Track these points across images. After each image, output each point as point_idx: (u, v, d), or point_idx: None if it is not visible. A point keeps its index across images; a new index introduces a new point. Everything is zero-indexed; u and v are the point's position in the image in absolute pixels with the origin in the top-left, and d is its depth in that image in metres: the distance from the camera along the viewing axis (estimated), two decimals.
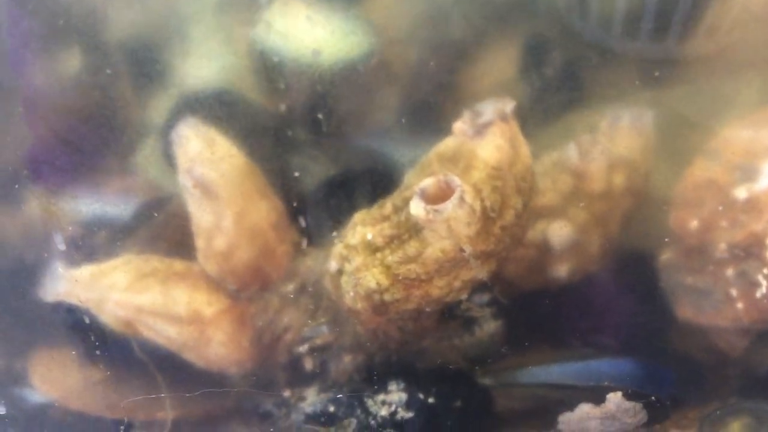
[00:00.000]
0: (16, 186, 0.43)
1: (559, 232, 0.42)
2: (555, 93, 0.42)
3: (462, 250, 0.37)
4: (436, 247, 0.37)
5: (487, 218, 0.37)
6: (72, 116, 0.43)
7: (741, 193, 0.41)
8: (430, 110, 0.43)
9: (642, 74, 0.42)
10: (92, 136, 0.42)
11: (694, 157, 0.42)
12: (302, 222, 0.41)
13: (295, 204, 0.41)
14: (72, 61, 0.43)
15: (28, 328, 0.43)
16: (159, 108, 0.42)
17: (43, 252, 0.42)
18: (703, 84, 0.42)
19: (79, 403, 0.44)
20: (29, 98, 0.44)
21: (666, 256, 0.43)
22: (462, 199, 0.35)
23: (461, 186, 0.36)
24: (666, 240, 0.43)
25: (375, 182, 0.42)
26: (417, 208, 0.36)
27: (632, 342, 0.44)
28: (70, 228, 0.42)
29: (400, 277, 0.38)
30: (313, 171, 0.42)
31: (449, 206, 0.35)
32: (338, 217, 0.41)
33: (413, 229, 0.38)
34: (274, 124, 0.42)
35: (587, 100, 0.43)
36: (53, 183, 0.43)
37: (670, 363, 0.44)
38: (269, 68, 0.41)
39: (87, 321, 0.41)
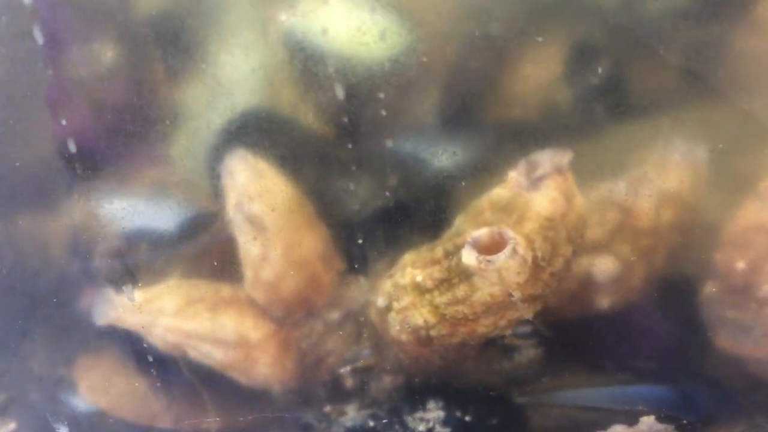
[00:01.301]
0: (61, 191, 0.43)
1: (603, 268, 0.42)
2: (600, 100, 0.42)
3: (511, 295, 0.38)
4: (485, 291, 0.38)
5: (537, 267, 0.37)
6: (106, 107, 0.42)
7: None
8: (470, 112, 0.42)
9: (693, 85, 0.41)
10: (127, 127, 0.41)
11: (745, 197, 0.42)
12: (348, 251, 0.41)
13: (341, 233, 0.41)
14: (106, 51, 0.42)
15: (76, 335, 0.44)
16: (194, 98, 0.41)
17: (89, 264, 0.43)
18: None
19: (126, 412, 0.45)
20: (63, 90, 0.43)
21: (709, 290, 0.43)
22: (515, 251, 0.36)
23: (515, 239, 0.36)
24: (710, 275, 0.43)
25: (420, 212, 0.41)
26: (469, 258, 0.36)
27: (668, 368, 0.45)
28: (115, 241, 0.42)
29: (447, 317, 0.39)
30: (359, 195, 0.41)
31: (501, 257, 0.36)
32: (384, 247, 0.41)
33: (463, 275, 0.38)
34: (319, 144, 0.41)
35: (634, 110, 0.42)
36: (90, 176, 0.43)
37: (704, 387, 0.45)
38: (305, 63, 0.40)
39: (136, 339, 0.42)
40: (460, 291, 0.38)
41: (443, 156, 0.41)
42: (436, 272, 0.38)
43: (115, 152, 0.42)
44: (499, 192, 0.39)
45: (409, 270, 0.39)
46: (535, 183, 0.38)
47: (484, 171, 0.41)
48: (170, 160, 0.42)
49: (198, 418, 0.44)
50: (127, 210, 0.42)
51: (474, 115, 0.42)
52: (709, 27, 0.40)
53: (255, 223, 0.39)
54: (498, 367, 0.44)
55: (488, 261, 0.36)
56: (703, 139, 0.42)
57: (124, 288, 0.42)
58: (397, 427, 0.45)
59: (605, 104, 0.42)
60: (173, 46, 0.41)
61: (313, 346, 0.43)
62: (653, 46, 0.40)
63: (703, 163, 0.42)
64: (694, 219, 0.42)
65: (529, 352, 0.44)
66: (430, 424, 0.45)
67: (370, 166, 0.42)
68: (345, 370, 0.44)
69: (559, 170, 0.37)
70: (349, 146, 0.41)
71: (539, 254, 0.37)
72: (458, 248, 0.37)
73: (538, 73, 0.42)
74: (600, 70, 0.41)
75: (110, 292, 0.42)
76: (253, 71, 0.40)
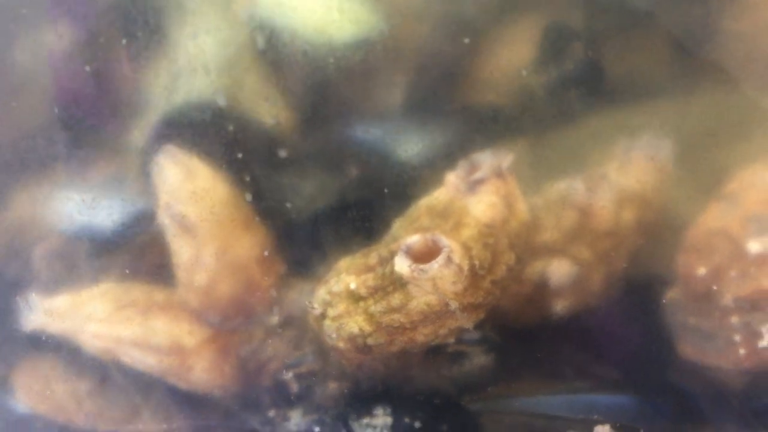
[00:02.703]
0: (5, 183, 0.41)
1: (558, 271, 0.40)
2: (567, 89, 0.40)
3: (447, 305, 0.36)
4: (421, 300, 0.36)
5: (475, 275, 0.35)
6: (66, 90, 0.40)
7: (754, 246, 0.39)
8: (439, 96, 0.40)
9: (669, 71, 0.39)
10: (86, 112, 0.40)
11: (709, 199, 0.39)
12: (290, 253, 0.39)
13: (282, 235, 0.39)
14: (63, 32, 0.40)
15: (11, 340, 0.43)
16: (155, 83, 0.39)
17: (24, 263, 0.41)
18: (732, 93, 0.39)
19: (63, 416, 0.43)
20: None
21: (671, 295, 0.41)
22: (449, 259, 0.34)
23: (449, 246, 0.34)
24: (673, 280, 0.41)
25: (364, 211, 0.39)
26: (401, 266, 0.34)
27: (627, 376, 0.43)
28: (53, 239, 0.41)
29: (383, 325, 0.37)
30: (303, 193, 0.39)
31: (435, 266, 0.34)
32: (327, 249, 0.39)
33: (398, 282, 0.36)
34: (262, 139, 0.39)
35: (601, 102, 0.40)
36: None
37: (664, 396, 0.43)
38: (269, 45, 0.38)
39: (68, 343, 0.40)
40: (395, 299, 0.36)
41: (397, 149, 0.40)
42: (370, 279, 0.36)
43: (66, 143, 0.40)
44: (436, 196, 0.36)
45: (343, 276, 0.37)
46: (473, 186, 0.35)
47: (432, 168, 0.39)
48: (115, 151, 0.40)
49: (136, 423, 0.43)
50: (64, 207, 0.40)
51: (437, 103, 0.40)
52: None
53: (185, 226, 0.37)
54: (447, 373, 0.42)
55: (421, 270, 0.34)
56: (669, 137, 0.39)
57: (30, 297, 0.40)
58: None
59: (571, 94, 0.40)
60: (135, 26, 0.39)
61: (253, 351, 0.41)
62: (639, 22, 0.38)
63: (667, 162, 0.40)
64: (656, 221, 0.40)
65: (479, 359, 0.42)
66: (378, 430, 0.43)
67: (316, 161, 0.40)
68: (288, 375, 0.42)
69: (498, 174, 0.35)
70: (300, 137, 0.39)
71: (477, 262, 0.35)
72: (393, 254, 0.35)
73: (503, 59, 0.40)
74: (570, 57, 0.39)
75: (35, 297, 0.40)
76: (217, 52, 0.38)
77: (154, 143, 0.38)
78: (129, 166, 0.40)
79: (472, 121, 0.40)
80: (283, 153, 0.39)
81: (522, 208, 0.36)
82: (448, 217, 0.36)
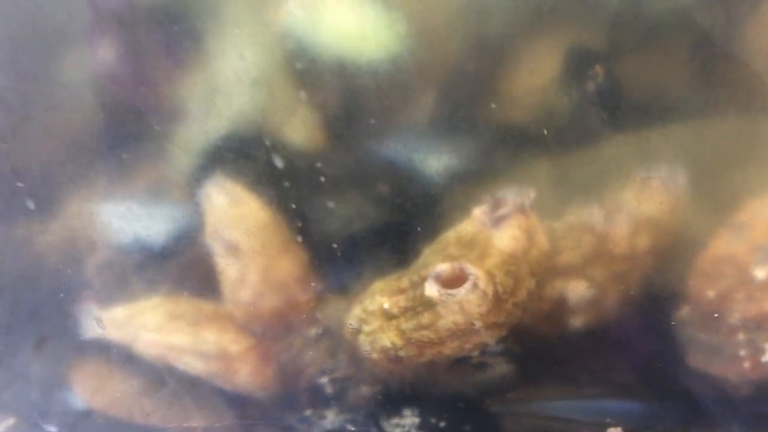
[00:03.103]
0: (53, 197, 0.44)
1: (575, 291, 0.43)
2: (593, 109, 0.41)
3: (473, 324, 0.39)
4: (449, 320, 0.39)
5: (498, 299, 0.39)
6: (108, 102, 0.43)
7: (760, 273, 0.41)
8: (465, 114, 0.42)
9: (687, 95, 0.41)
10: (124, 123, 0.42)
11: (720, 226, 0.42)
12: (326, 272, 0.42)
13: (318, 256, 0.42)
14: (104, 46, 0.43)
15: (70, 342, 0.46)
16: (193, 96, 0.42)
17: (79, 272, 0.44)
18: (748, 119, 0.41)
19: (120, 411, 0.47)
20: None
21: (682, 313, 0.44)
22: (475, 285, 0.37)
23: (475, 275, 0.37)
24: (684, 299, 0.43)
25: (395, 233, 0.42)
26: (431, 290, 0.38)
27: (638, 383, 0.46)
28: (104, 251, 0.44)
29: (413, 340, 0.40)
30: (337, 216, 0.42)
31: (462, 291, 0.37)
32: (360, 269, 0.42)
33: (427, 304, 0.39)
34: (300, 164, 0.42)
35: (626, 122, 0.42)
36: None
37: (673, 402, 0.46)
38: (302, 62, 0.41)
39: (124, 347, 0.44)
40: (425, 318, 0.39)
41: (425, 165, 0.42)
42: (402, 301, 0.40)
43: (113, 153, 0.43)
44: (464, 228, 0.39)
45: (377, 297, 0.40)
46: (497, 221, 0.38)
47: (458, 185, 0.41)
48: (164, 163, 0.43)
49: (186, 419, 0.47)
50: (112, 219, 0.43)
51: (463, 120, 0.42)
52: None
53: (231, 249, 0.40)
54: (470, 380, 0.46)
55: (449, 294, 0.37)
56: (685, 164, 0.41)
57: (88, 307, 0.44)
58: (374, 430, 0.47)
59: (592, 116, 0.41)
60: (172, 43, 0.41)
61: (292, 358, 0.45)
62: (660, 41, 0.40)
63: (682, 190, 0.42)
64: (669, 246, 0.43)
65: (501, 368, 0.45)
66: (406, 429, 0.46)
67: (348, 181, 0.42)
68: (324, 379, 0.45)
69: (521, 210, 0.38)
70: (333, 156, 0.41)
71: (500, 288, 0.38)
72: (423, 279, 0.39)
73: (527, 78, 0.42)
74: (591, 79, 0.41)
75: (95, 308, 0.43)
76: (252, 68, 0.40)
77: (201, 171, 0.40)
78: (173, 180, 0.43)
79: (496, 140, 0.42)
80: (316, 174, 0.42)
81: (542, 239, 0.39)
82: (474, 247, 0.39)
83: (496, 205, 0.39)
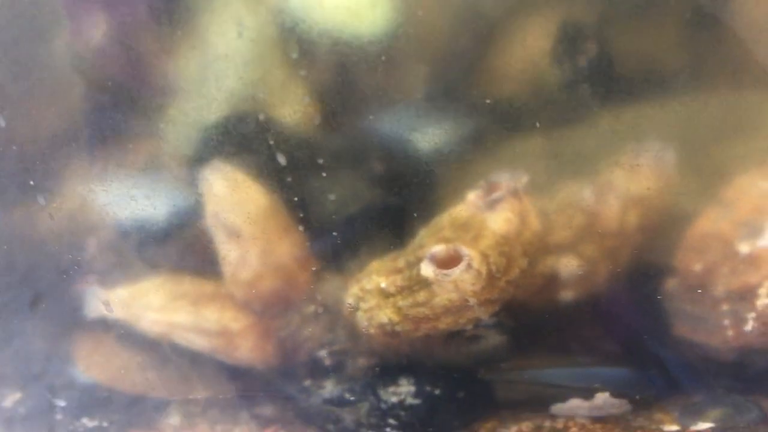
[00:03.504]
0: (51, 178, 0.45)
1: (567, 266, 0.44)
2: (585, 84, 0.42)
3: (467, 301, 0.40)
4: (444, 297, 0.40)
5: (492, 277, 0.40)
6: (100, 77, 0.43)
7: (744, 247, 0.42)
8: (459, 89, 0.43)
9: (679, 69, 0.41)
10: (118, 98, 0.43)
11: (707, 203, 0.43)
12: (323, 252, 0.43)
13: (316, 236, 0.43)
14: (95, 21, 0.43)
15: (73, 319, 0.47)
16: (183, 69, 0.42)
17: (80, 252, 0.45)
18: (739, 93, 0.42)
19: (121, 384, 0.49)
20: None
21: (670, 285, 0.45)
22: (469, 265, 0.38)
23: (469, 255, 0.38)
24: (671, 273, 0.45)
25: (390, 211, 0.43)
26: (427, 270, 0.39)
27: (626, 352, 0.48)
28: (104, 230, 0.45)
29: (410, 316, 0.42)
30: (334, 196, 0.43)
31: (456, 271, 0.38)
32: (356, 249, 0.43)
33: (423, 283, 0.41)
34: (297, 145, 0.42)
35: (618, 97, 0.42)
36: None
37: (660, 368, 0.48)
38: (295, 38, 0.41)
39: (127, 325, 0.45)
40: (421, 296, 0.41)
41: (420, 142, 0.42)
42: (399, 280, 0.41)
43: (109, 130, 0.43)
44: (458, 211, 0.40)
45: (374, 277, 0.41)
46: (491, 205, 0.39)
47: (452, 162, 0.42)
48: (161, 143, 0.43)
49: (189, 390, 0.48)
50: (110, 199, 0.44)
51: (457, 96, 0.42)
52: None
53: (231, 232, 0.41)
54: (464, 351, 0.47)
55: (444, 274, 0.38)
56: (675, 141, 0.42)
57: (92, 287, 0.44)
58: (371, 398, 0.48)
59: (584, 90, 0.42)
60: (166, 18, 0.41)
61: (291, 333, 0.46)
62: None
63: (671, 168, 0.42)
64: (658, 222, 0.44)
65: (494, 339, 0.47)
66: (402, 397, 0.48)
67: (344, 160, 0.43)
68: (322, 352, 0.47)
69: (513, 194, 0.39)
70: (330, 138, 0.42)
71: (494, 267, 0.39)
72: (419, 260, 0.40)
73: (520, 52, 0.42)
74: (583, 53, 0.41)
75: (98, 288, 0.44)
76: (245, 45, 0.41)
77: (199, 155, 0.41)
78: (171, 161, 0.43)
79: (489, 116, 0.43)
80: (313, 155, 0.42)
81: (534, 220, 0.40)
82: (469, 229, 0.40)
83: (490, 189, 0.40)
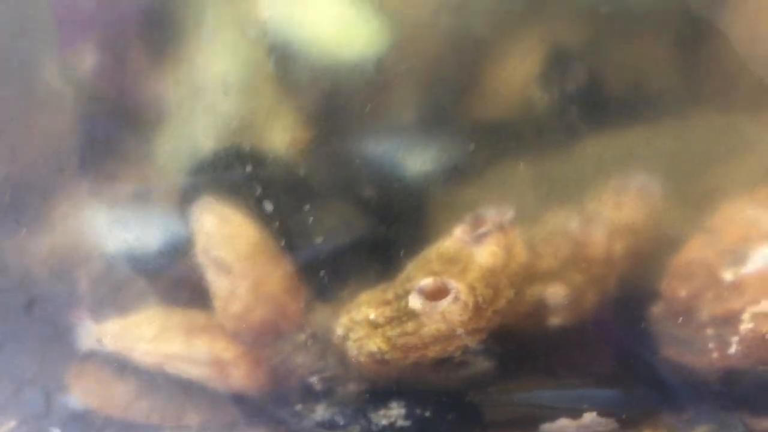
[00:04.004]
0: (40, 207, 0.45)
1: (554, 294, 0.45)
2: (574, 108, 0.42)
3: (455, 330, 0.41)
4: (432, 327, 0.41)
5: (478, 308, 0.41)
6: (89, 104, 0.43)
7: (728, 275, 0.43)
8: (447, 112, 0.43)
9: (668, 91, 0.42)
10: (109, 124, 0.43)
11: (692, 231, 0.43)
12: (313, 283, 0.44)
13: (306, 268, 0.43)
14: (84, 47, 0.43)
15: (65, 350, 0.48)
16: (174, 98, 0.42)
17: (72, 283, 0.45)
18: (728, 117, 0.42)
19: (117, 411, 0.49)
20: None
21: (656, 309, 0.46)
22: (456, 297, 0.39)
23: (456, 288, 0.39)
24: (657, 298, 0.45)
25: (379, 243, 0.43)
26: (415, 302, 0.40)
27: (613, 373, 0.48)
28: (95, 262, 0.45)
29: (399, 345, 0.42)
30: (324, 227, 0.43)
31: (444, 303, 0.39)
32: (346, 280, 0.44)
33: (411, 314, 0.41)
34: (286, 177, 0.42)
35: (606, 121, 0.42)
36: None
37: (647, 388, 0.49)
38: (281, 62, 0.41)
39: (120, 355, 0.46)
40: (409, 326, 0.41)
41: (408, 166, 0.43)
42: (387, 311, 0.42)
43: (98, 157, 0.43)
44: (445, 245, 0.41)
45: (363, 308, 0.42)
46: (477, 239, 0.40)
47: (441, 187, 0.42)
48: (150, 173, 0.43)
49: (182, 417, 0.49)
50: (101, 230, 0.44)
51: (446, 118, 0.42)
52: None
53: (222, 266, 0.42)
54: (453, 376, 0.48)
55: (432, 306, 0.39)
56: (663, 168, 0.43)
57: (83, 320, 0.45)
58: (362, 421, 0.49)
59: (572, 115, 0.42)
60: (153, 39, 0.41)
61: (282, 361, 0.46)
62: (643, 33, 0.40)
63: (659, 197, 0.43)
64: (644, 250, 0.44)
65: (482, 364, 0.47)
66: (392, 419, 0.49)
67: (333, 188, 0.43)
68: (313, 378, 0.47)
69: (500, 228, 0.40)
70: (319, 168, 0.42)
71: (480, 299, 0.40)
72: (407, 292, 0.41)
73: (509, 74, 0.42)
74: (572, 78, 0.41)
75: (89, 322, 0.45)
76: (232, 69, 0.41)
77: (189, 189, 0.41)
78: (161, 193, 0.44)
79: (478, 140, 0.43)
80: (302, 186, 0.42)
81: (520, 252, 0.41)
82: (456, 263, 0.41)
83: (476, 223, 0.40)
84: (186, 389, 0.48)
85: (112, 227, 0.44)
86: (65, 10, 0.42)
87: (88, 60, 0.43)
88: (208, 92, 0.41)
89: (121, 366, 0.47)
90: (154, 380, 0.48)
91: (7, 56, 0.43)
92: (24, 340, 0.48)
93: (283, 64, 0.40)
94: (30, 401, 0.51)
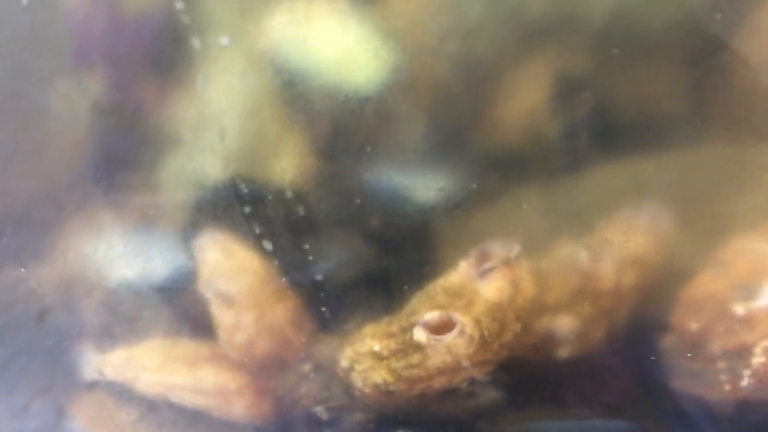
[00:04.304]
0: (43, 237, 0.45)
1: (563, 326, 0.44)
2: (582, 136, 0.42)
3: (460, 363, 0.40)
4: (437, 359, 0.41)
5: (485, 342, 0.40)
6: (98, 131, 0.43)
7: (739, 309, 0.42)
8: (454, 139, 0.42)
9: (678, 120, 0.41)
10: (117, 148, 0.43)
11: (703, 264, 0.43)
12: (318, 315, 0.44)
13: (311, 300, 0.43)
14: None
15: (69, 379, 0.48)
16: (182, 126, 0.42)
17: (76, 313, 0.45)
18: (738, 147, 0.41)
19: None
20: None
21: (666, 341, 0.45)
22: (462, 331, 0.38)
23: (462, 322, 0.38)
24: (668, 330, 0.45)
25: (384, 275, 0.43)
26: (420, 336, 0.40)
27: (626, 406, 0.48)
28: (100, 292, 0.45)
29: (404, 377, 0.42)
30: (329, 259, 0.43)
31: (449, 337, 0.39)
32: (350, 310, 0.43)
33: (416, 346, 0.41)
34: (292, 210, 0.42)
35: (615, 151, 0.42)
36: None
37: (658, 418, 0.48)
38: (287, 87, 0.41)
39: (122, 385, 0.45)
40: (414, 359, 0.41)
41: (415, 195, 0.42)
42: (392, 344, 0.41)
43: (104, 185, 0.43)
44: (451, 279, 0.40)
45: (368, 341, 0.42)
46: (483, 274, 0.39)
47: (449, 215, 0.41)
48: (156, 201, 0.43)
49: None
50: (106, 260, 0.44)
51: (453, 146, 0.42)
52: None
53: (226, 299, 0.41)
54: (461, 406, 0.47)
55: (437, 339, 0.39)
56: (672, 199, 0.42)
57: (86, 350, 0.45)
58: None
59: (581, 143, 0.41)
60: (162, 66, 0.41)
61: (287, 391, 0.46)
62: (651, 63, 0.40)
63: (669, 229, 0.42)
64: (654, 282, 0.44)
65: (490, 395, 0.47)
66: None
67: (339, 219, 0.43)
68: (319, 408, 0.47)
69: (506, 263, 0.39)
70: (323, 190, 0.42)
71: (486, 332, 0.40)
72: (413, 325, 0.40)
73: (517, 101, 0.42)
74: (579, 106, 0.41)
75: (92, 353, 0.44)
76: (238, 96, 0.40)
77: (194, 221, 0.41)
78: (166, 222, 0.43)
79: (485, 169, 0.42)
80: (306, 214, 0.42)
81: (527, 287, 0.40)
82: (461, 297, 0.40)
83: (482, 258, 0.40)
84: (190, 418, 0.47)
85: (117, 257, 0.44)
86: (81, 29, 0.42)
87: (94, 85, 0.42)
88: (213, 120, 0.41)
89: (125, 396, 0.47)
90: (158, 410, 0.47)
91: (10, 85, 0.43)
92: (28, 372, 0.48)
93: (290, 92, 0.40)
94: (34, 430, 0.50)
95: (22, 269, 0.45)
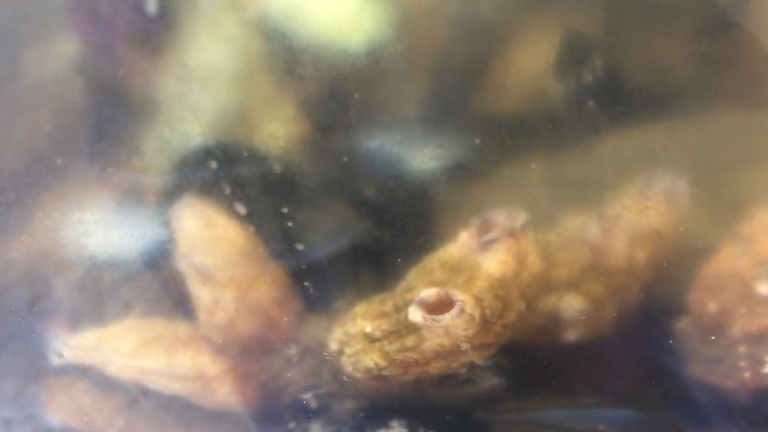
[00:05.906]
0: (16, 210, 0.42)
1: (570, 306, 0.41)
2: (590, 101, 0.39)
3: (459, 346, 0.37)
4: (434, 342, 0.38)
5: (486, 322, 0.37)
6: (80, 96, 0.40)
7: (763, 288, 0.39)
8: (455, 105, 0.39)
9: (691, 86, 0.38)
10: (99, 116, 0.40)
11: (723, 238, 0.40)
12: (306, 293, 0.40)
13: (296, 275, 0.40)
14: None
15: (40, 364, 0.45)
16: (166, 90, 0.39)
17: (48, 291, 0.42)
18: (756, 113, 0.39)
19: (93, 428, 0.46)
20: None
21: (682, 325, 0.43)
22: (461, 310, 0.35)
23: (462, 301, 0.36)
24: (684, 312, 0.42)
25: (378, 249, 0.40)
26: (415, 316, 0.37)
27: (635, 394, 0.45)
28: (74, 269, 0.42)
29: (398, 361, 0.39)
30: (319, 235, 0.40)
31: (448, 317, 0.36)
32: (340, 287, 0.40)
33: (411, 327, 0.38)
34: (277, 179, 0.39)
35: (626, 117, 0.39)
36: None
37: (670, 409, 0.45)
38: (279, 50, 0.38)
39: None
40: (409, 341, 0.39)
41: (413, 163, 0.40)
42: (385, 324, 0.39)
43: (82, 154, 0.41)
44: (450, 252, 0.38)
45: (359, 321, 0.39)
46: (485, 246, 0.36)
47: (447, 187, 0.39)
48: (133, 174, 0.40)
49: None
50: (81, 235, 0.41)
51: (454, 112, 0.40)
52: None
53: (204, 273, 0.38)
54: (459, 393, 0.44)
55: (434, 320, 0.36)
56: (687, 168, 0.39)
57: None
58: None
59: (589, 108, 0.39)
60: (146, 29, 0.38)
61: (273, 377, 0.43)
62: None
63: (684, 200, 0.39)
64: (669, 259, 0.41)
65: (490, 381, 0.44)
66: None
67: (330, 188, 0.40)
68: (307, 395, 0.44)
69: (511, 233, 0.36)
70: (313, 158, 0.39)
71: (488, 312, 0.37)
72: (407, 303, 0.38)
73: (521, 66, 0.39)
74: (588, 69, 0.38)
75: (62, 333, 0.41)
76: (229, 61, 0.38)
77: (172, 187, 0.38)
78: (143, 194, 0.41)
79: (488, 136, 0.40)
80: (296, 186, 0.39)
81: (533, 261, 0.37)
82: (461, 271, 0.37)
83: (484, 228, 0.37)
84: (169, 406, 0.44)
85: (92, 232, 0.41)
86: None
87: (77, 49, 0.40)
88: (201, 82, 0.38)
89: (97, 380, 0.44)
90: (133, 396, 0.44)
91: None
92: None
93: (282, 54, 0.37)
94: (4, 418, 0.47)
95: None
